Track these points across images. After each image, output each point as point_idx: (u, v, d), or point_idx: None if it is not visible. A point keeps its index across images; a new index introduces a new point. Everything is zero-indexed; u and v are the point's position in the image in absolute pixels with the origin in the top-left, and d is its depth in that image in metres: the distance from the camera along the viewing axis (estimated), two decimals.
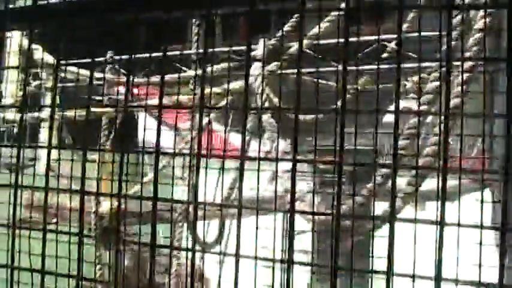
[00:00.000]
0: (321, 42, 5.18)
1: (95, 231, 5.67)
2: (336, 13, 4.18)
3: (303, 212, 2.88)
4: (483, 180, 3.26)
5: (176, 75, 5.49)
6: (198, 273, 6.73)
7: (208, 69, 3.18)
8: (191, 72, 5.64)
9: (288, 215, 1.14)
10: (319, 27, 4.40)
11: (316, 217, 3.41)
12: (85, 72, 5.78)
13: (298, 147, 1.28)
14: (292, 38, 5.34)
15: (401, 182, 3.17)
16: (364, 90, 5.88)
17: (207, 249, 5.79)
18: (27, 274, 1.72)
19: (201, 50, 5.79)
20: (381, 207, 3.36)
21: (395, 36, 5.56)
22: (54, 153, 4.94)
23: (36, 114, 5.65)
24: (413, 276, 1.29)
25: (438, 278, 0.97)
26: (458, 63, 3.02)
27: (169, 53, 6.51)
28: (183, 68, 6.48)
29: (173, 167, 4.32)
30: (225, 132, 5.41)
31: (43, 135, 5.83)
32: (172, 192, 3.23)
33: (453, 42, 2.90)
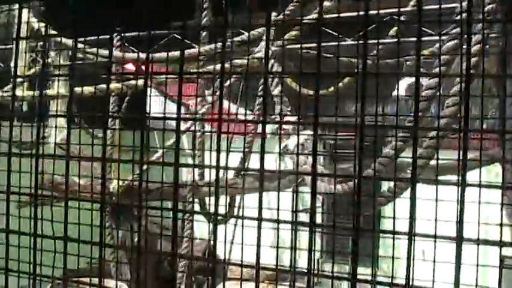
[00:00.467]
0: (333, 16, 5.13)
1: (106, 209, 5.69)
2: None
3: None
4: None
5: (191, 50, 5.49)
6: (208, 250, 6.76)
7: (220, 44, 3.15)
8: (203, 48, 5.60)
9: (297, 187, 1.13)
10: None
11: (325, 189, 3.40)
12: (93, 50, 5.76)
13: (309, 123, 1.26)
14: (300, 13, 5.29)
15: (409, 160, 3.14)
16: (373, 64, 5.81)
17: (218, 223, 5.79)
18: (50, 242, 1.73)
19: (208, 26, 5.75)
20: (390, 183, 3.34)
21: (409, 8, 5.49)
22: (63, 132, 4.93)
23: (45, 91, 5.63)
24: (435, 237, 1.27)
25: (460, 239, 0.96)
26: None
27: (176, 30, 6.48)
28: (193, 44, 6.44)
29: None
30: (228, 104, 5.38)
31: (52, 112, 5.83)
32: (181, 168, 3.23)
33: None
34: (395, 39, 5.59)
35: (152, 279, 5.65)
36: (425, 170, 3.07)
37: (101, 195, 1.54)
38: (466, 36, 1.10)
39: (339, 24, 5.48)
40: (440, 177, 3.01)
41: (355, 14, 1.58)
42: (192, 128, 5.57)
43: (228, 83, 6.12)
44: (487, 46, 3.58)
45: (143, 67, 5.97)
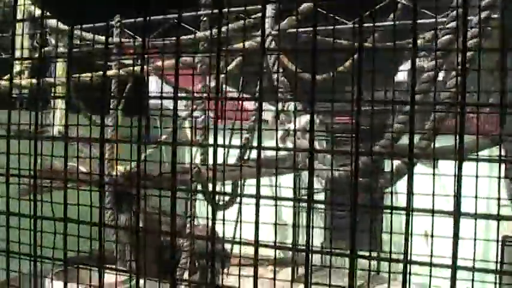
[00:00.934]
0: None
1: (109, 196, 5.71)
2: None
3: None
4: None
5: (188, 37, 5.46)
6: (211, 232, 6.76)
7: (219, 29, 3.13)
8: (202, 34, 5.58)
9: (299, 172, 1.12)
10: None
11: (328, 174, 3.41)
12: (92, 36, 5.74)
13: (309, 108, 1.25)
14: None
15: (416, 137, 3.15)
16: (376, 48, 5.80)
17: (219, 210, 5.81)
18: (50, 223, 1.74)
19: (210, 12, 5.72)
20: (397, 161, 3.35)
21: None
22: (63, 119, 4.93)
23: (46, 79, 5.63)
24: (432, 211, 1.27)
25: (458, 213, 0.96)
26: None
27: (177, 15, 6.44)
28: (194, 30, 6.42)
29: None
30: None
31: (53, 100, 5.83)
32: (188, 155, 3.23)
33: None
34: (392, 23, 5.58)
35: (154, 265, 5.68)
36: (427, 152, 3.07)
37: (99, 177, 1.54)
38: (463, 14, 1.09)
39: (340, 8, 5.45)
40: (441, 162, 3.01)
41: None
42: (194, 114, 5.58)
43: (228, 67, 6.10)
44: (489, 28, 3.57)
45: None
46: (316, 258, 6.71)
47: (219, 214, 5.83)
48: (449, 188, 2.21)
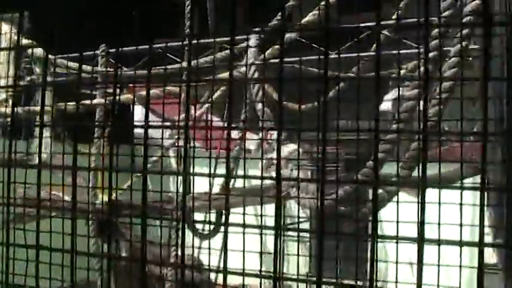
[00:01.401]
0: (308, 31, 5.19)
1: (91, 224, 5.66)
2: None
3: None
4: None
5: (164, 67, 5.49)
6: (195, 262, 6.73)
7: (199, 60, 3.17)
8: (182, 64, 5.62)
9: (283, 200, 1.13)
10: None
11: (311, 203, 3.42)
12: (76, 65, 5.76)
13: (295, 136, 1.27)
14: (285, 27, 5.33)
15: (393, 170, 3.19)
16: (353, 78, 5.88)
17: (204, 239, 5.79)
18: (22, 250, 1.73)
19: (190, 41, 5.76)
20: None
21: (390, 22, 5.55)
22: (47, 148, 4.92)
23: (29, 108, 5.64)
24: (397, 238, 1.28)
25: (421, 239, 0.98)
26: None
27: (159, 45, 6.49)
28: (176, 59, 6.46)
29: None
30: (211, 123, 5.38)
31: (37, 129, 5.83)
32: (161, 183, 3.23)
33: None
34: (375, 52, 5.64)
35: None
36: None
37: (72, 206, 1.54)
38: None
39: (322, 37, 5.51)
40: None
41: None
42: (179, 143, 5.58)
43: (212, 96, 6.14)
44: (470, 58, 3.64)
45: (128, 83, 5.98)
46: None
47: (204, 243, 5.80)
48: (432, 215, 2.24)
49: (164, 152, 5.87)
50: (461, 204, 2.54)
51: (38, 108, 5.72)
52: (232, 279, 1.79)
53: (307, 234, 8.81)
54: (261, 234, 1.85)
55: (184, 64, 5.27)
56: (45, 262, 1.98)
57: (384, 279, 4.26)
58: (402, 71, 5.96)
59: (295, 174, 3.76)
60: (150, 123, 1.36)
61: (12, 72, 5.49)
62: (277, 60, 4.63)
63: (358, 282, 2.52)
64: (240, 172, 5.55)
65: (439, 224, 2.60)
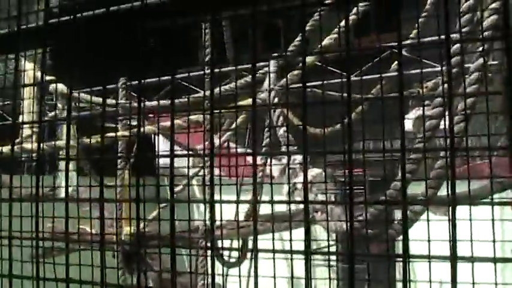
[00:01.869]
0: (329, 54, 5.21)
1: (118, 256, 5.68)
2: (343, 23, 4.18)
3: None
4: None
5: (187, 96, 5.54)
6: None
7: (218, 89, 3.19)
8: (201, 93, 5.68)
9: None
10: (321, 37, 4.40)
11: (337, 227, 3.40)
12: (98, 99, 5.83)
13: (316, 160, 1.27)
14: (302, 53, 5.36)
15: (418, 189, 3.16)
16: (376, 98, 5.87)
17: (230, 267, 5.77)
18: (51, 284, 1.74)
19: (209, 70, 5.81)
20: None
21: (410, 41, 5.53)
22: (73, 181, 4.97)
23: (53, 142, 5.70)
24: (429, 257, 1.26)
25: (454, 257, 0.96)
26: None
27: (181, 75, 6.56)
28: (196, 88, 6.51)
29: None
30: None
31: (62, 164, 5.89)
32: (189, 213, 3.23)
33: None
34: (396, 72, 5.64)
35: None
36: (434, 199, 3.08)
37: (100, 238, 1.55)
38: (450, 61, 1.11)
39: (342, 61, 5.53)
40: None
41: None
42: (201, 173, 5.60)
43: (234, 125, 6.16)
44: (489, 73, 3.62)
45: (150, 114, 6.04)
46: None
47: (232, 271, 5.77)
48: (464, 233, 2.22)
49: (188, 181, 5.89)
50: (493, 220, 2.51)
51: (61, 142, 5.79)
52: None
53: (334, 257, 8.73)
54: (291, 259, 1.85)
55: (206, 92, 5.31)
56: None
57: None
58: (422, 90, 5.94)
59: (319, 198, 3.74)
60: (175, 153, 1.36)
61: (37, 108, 5.57)
62: (298, 85, 4.65)
63: None
64: (264, 198, 5.55)
65: (471, 240, 2.57)
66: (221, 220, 3.58)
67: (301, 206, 4.73)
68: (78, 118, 5.41)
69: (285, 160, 4.06)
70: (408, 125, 7.61)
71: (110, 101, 6.40)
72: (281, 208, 4.46)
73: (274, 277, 2.43)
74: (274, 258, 1.18)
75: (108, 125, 5.42)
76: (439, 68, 5.42)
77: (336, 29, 4.88)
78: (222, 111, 3.88)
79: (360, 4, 4.06)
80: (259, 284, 1.24)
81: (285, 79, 4.65)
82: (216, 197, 1.37)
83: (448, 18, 1.07)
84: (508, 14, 1.03)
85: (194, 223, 5.23)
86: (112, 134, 4.83)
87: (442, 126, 3.65)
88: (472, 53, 3.02)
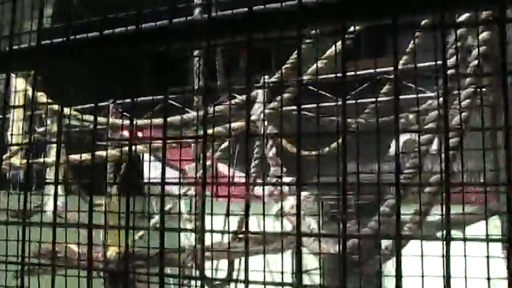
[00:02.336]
0: (321, 77, 5.24)
1: (104, 276, 5.63)
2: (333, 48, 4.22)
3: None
4: None
5: (178, 117, 5.54)
6: None
7: (210, 109, 3.20)
8: (194, 114, 5.68)
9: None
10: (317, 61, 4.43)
11: (324, 251, 3.40)
12: (88, 117, 5.82)
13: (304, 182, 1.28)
14: (293, 76, 5.39)
15: (406, 217, 3.16)
16: (367, 123, 5.91)
17: None
18: None
19: (201, 90, 5.84)
20: (388, 241, 3.34)
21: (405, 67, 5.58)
22: (61, 199, 4.95)
23: (41, 159, 5.68)
24: None
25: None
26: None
27: (171, 96, 6.57)
28: (187, 109, 6.52)
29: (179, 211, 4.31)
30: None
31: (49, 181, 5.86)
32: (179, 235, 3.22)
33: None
34: (389, 97, 5.69)
35: None
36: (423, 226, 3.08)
37: (87, 261, 1.54)
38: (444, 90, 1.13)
39: (334, 85, 5.56)
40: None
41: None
42: (190, 192, 5.58)
43: (223, 145, 6.17)
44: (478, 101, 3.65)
45: (139, 133, 6.04)
46: None
47: None
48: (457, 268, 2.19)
49: (176, 201, 5.86)
50: (488, 257, 2.47)
51: (49, 160, 5.76)
52: None
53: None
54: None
55: (195, 113, 5.32)
56: None
57: None
58: (411, 116, 5.97)
59: (306, 220, 3.75)
60: (166, 179, 1.36)
61: (26, 128, 5.55)
62: (291, 108, 4.65)
63: None
64: (253, 218, 5.52)
65: (465, 277, 2.54)
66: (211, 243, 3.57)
67: (288, 227, 4.73)
68: (70, 138, 5.40)
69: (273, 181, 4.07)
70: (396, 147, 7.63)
71: (101, 119, 6.39)
72: (269, 228, 4.45)
73: None
74: (265, 284, 1.18)
75: (99, 144, 5.41)
76: (430, 94, 5.47)
77: (328, 53, 4.92)
78: (215, 136, 3.89)
79: (351, 29, 4.10)
80: None
81: (275, 102, 4.68)
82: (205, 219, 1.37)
83: (445, 49, 1.08)
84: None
85: (181, 243, 5.20)
86: (101, 153, 4.82)
87: (431, 151, 3.67)
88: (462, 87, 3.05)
